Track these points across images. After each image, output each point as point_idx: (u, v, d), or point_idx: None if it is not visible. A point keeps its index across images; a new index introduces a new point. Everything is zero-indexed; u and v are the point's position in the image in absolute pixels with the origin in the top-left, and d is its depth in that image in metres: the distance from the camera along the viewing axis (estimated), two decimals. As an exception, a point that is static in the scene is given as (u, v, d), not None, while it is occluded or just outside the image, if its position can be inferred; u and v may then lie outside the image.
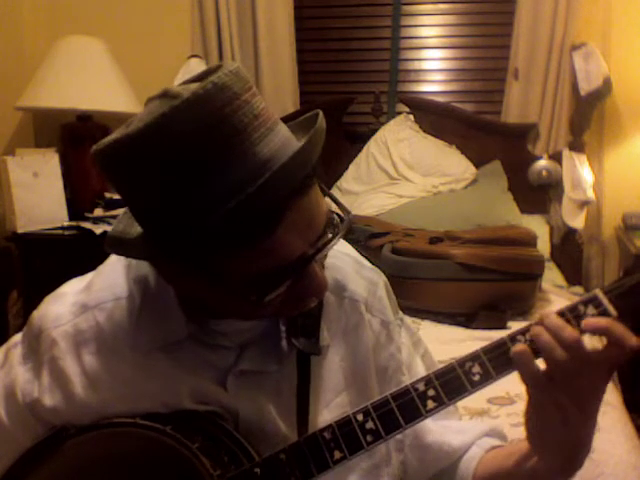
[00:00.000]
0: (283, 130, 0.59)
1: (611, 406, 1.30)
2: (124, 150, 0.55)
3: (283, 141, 0.57)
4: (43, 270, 2.27)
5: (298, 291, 0.61)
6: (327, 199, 0.64)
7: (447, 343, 1.61)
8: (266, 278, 0.58)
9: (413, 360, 0.80)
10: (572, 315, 0.64)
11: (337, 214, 0.64)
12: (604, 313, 0.64)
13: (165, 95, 0.56)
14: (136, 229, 0.63)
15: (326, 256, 0.67)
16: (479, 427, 0.79)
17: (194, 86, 0.54)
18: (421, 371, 0.78)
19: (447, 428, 0.77)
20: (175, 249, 0.57)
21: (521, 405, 1.25)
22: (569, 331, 0.60)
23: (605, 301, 0.64)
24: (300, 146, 0.56)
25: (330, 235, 0.61)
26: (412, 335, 0.82)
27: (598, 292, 0.64)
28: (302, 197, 0.57)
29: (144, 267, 0.71)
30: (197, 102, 0.53)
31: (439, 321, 1.80)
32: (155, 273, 0.70)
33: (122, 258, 0.73)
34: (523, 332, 0.65)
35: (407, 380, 0.72)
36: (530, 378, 0.62)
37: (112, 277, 0.73)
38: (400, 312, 0.81)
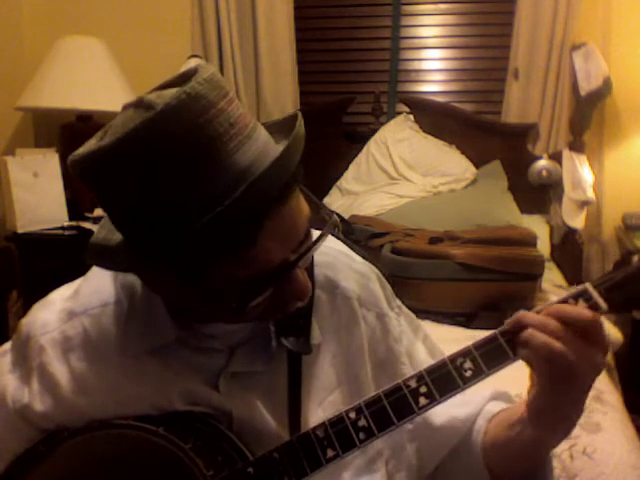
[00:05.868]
0: (262, 136, 0.59)
1: (611, 407, 1.30)
2: (98, 163, 0.55)
3: (262, 148, 0.57)
4: (43, 270, 2.26)
5: (281, 296, 0.61)
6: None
7: (447, 343, 1.58)
8: (248, 286, 0.58)
9: (414, 346, 0.79)
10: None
11: (326, 213, 0.64)
12: (594, 306, 0.64)
13: (140, 105, 0.55)
14: (118, 236, 0.62)
15: (310, 258, 0.66)
16: (481, 395, 0.78)
17: (168, 95, 0.54)
18: (422, 356, 0.78)
19: (450, 404, 0.75)
20: (156, 260, 0.57)
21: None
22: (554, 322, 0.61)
23: (595, 294, 0.64)
24: (277, 156, 0.55)
25: (313, 240, 0.61)
26: (411, 321, 0.81)
27: (588, 286, 0.64)
28: (282, 205, 0.57)
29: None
30: (171, 113, 0.52)
31: (439, 321, 1.79)
32: None
33: None
34: None
35: (407, 369, 0.72)
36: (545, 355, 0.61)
37: (99, 283, 0.73)
38: (397, 300, 0.81)
